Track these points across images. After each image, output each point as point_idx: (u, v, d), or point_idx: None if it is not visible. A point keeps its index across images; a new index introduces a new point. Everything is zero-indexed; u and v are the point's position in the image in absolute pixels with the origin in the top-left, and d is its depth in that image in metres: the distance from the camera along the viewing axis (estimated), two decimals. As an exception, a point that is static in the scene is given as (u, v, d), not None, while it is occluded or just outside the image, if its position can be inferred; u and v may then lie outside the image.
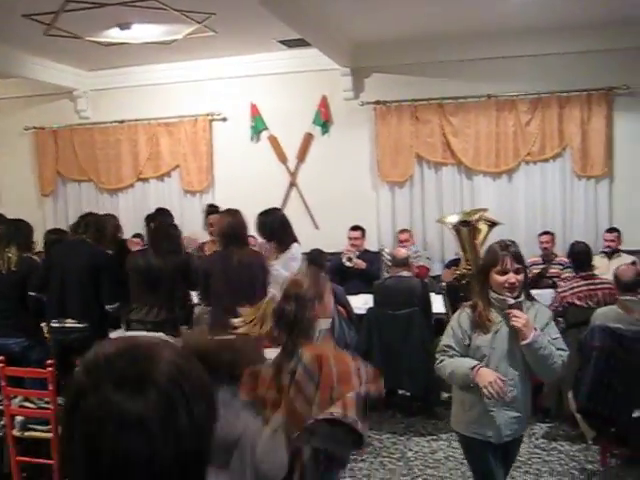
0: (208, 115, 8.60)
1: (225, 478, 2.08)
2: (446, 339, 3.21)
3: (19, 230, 5.23)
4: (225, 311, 4.53)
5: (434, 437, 5.22)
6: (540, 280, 6.85)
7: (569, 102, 7.53)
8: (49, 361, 4.05)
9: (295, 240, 5.45)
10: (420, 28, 7.23)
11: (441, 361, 3.20)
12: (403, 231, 7.71)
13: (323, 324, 2.87)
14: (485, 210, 6.30)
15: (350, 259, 6.96)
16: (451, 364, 3.15)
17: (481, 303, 3.13)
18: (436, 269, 7.58)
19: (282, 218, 5.53)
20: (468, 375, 3.03)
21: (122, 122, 8.84)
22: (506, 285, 3.06)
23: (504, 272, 3.06)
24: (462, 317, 3.18)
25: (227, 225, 4.69)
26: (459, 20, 6.98)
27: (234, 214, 4.73)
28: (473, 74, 7.72)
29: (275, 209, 5.69)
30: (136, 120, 8.78)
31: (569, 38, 7.30)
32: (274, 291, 5.24)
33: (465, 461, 4.66)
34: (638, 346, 4.30)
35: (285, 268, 5.30)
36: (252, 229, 5.46)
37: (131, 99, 8.76)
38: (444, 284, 5.81)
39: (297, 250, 5.45)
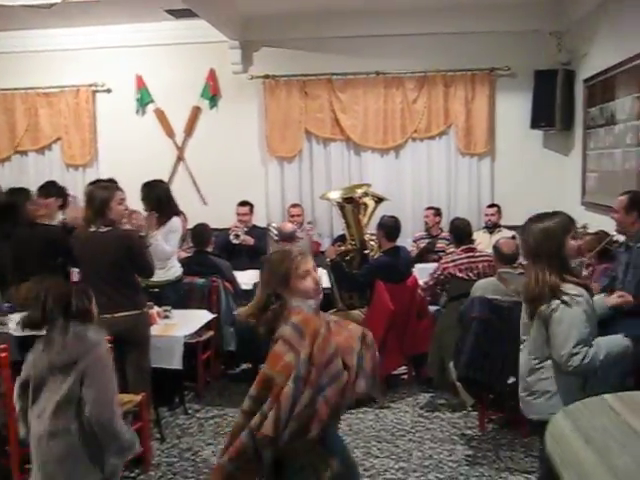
0: (91, 86, 8.26)
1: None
2: (581, 327, 2.92)
3: None
4: (96, 292, 4.36)
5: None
6: (427, 254, 7.04)
7: (454, 81, 7.72)
8: None
9: (176, 213, 5.38)
10: (310, 3, 7.20)
11: (585, 354, 2.89)
12: (295, 205, 7.70)
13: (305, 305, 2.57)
14: (368, 185, 6.36)
15: (237, 236, 6.91)
16: (599, 348, 2.93)
17: (571, 275, 3.00)
18: (326, 245, 7.61)
19: (166, 190, 5.45)
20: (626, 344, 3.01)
21: (-3, 91, 8.36)
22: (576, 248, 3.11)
23: (575, 237, 3.08)
24: (584, 294, 2.97)
25: (87, 202, 4.43)
26: (349, -4, 7.00)
27: (94, 190, 4.48)
28: (362, 51, 7.77)
29: (160, 180, 5.56)
30: (13, 89, 8.31)
31: (455, 18, 7.46)
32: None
33: (350, 432, 4.78)
34: (513, 316, 4.44)
35: (165, 240, 5.22)
36: (135, 203, 5.33)
37: (7, 66, 8.26)
38: (328, 260, 5.82)
39: (177, 222, 5.38)
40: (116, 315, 4.25)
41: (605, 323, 4.44)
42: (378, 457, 4.42)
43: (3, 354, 3.53)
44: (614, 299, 3.35)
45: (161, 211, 5.24)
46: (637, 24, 5.55)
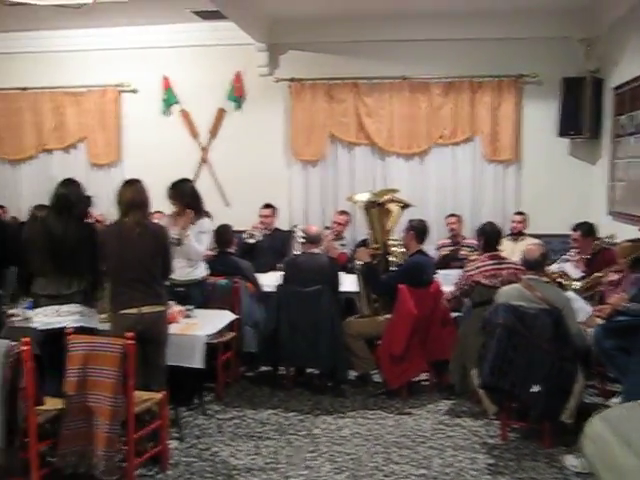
0: (117, 86, 8.31)
1: None
2: None
3: None
4: (124, 284, 4.36)
5: (341, 414, 5.21)
6: (450, 261, 6.97)
7: (481, 87, 7.67)
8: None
9: (206, 214, 5.40)
10: (338, 7, 7.20)
11: None
12: (342, 213, 7.50)
13: None
14: (395, 191, 6.33)
15: (252, 235, 6.90)
16: None
17: None
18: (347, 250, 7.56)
19: (192, 188, 5.47)
20: None
21: (25, 89, 8.42)
22: None
23: None
24: None
25: (129, 194, 4.43)
26: (377, 1, 6.96)
27: (135, 184, 4.51)
28: (389, 55, 7.75)
29: (186, 179, 5.58)
30: (41, 88, 8.38)
31: (482, 24, 7.42)
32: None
33: (370, 437, 4.73)
34: (539, 323, 4.41)
35: (196, 240, 5.24)
36: (159, 204, 5.34)
37: (36, 65, 8.37)
38: (359, 263, 5.78)
39: (208, 223, 5.41)
40: (143, 310, 4.26)
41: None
42: (398, 463, 4.35)
43: (26, 347, 3.52)
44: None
45: (192, 208, 5.28)
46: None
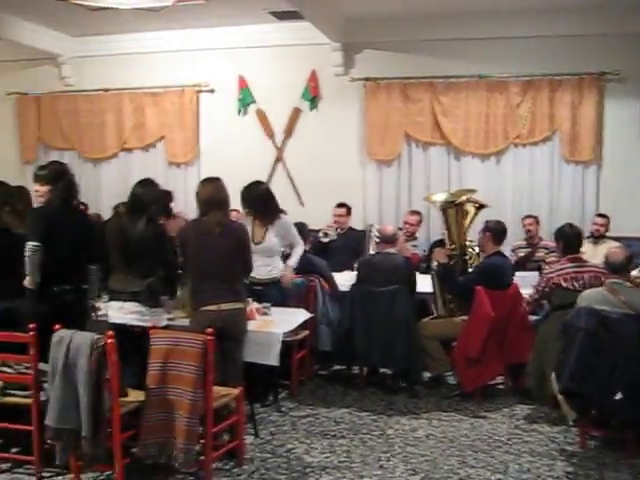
0: (195, 86, 8.47)
1: None
2: None
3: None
4: (205, 281, 4.44)
5: (415, 415, 5.17)
6: (526, 263, 6.84)
7: (560, 86, 7.48)
8: (31, 325, 3.93)
9: (281, 211, 5.44)
10: (413, 5, 7.17)
11: None
12: (413, 213, 7.41)
13: None
14: (473, 192, 6.25)
15: (326, 234, 6.93)
16: None
17: None
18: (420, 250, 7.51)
19: (264, 191, 5.48)
20: None
21: (107, 90, 8.69)
22: None
23: None
24: None
25: (208, 193, 4.52)
26: (453, -1, 6.92)
27: (215, 182, 4.58)
28: (465, 54, 7.65)
29: (258, 182, 5.59)
30: (121, 89, 8.64)
31: (562, 21, 7.25)
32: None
33: (445, 439, 4.68)
34: (623, 328, 4.27)
35: (285, 240, 5.39)
36: (236, 203, 5.40)
37: (117, 67, 8.61)
38: (436, 264, 5.73)
39: (287, 219, 5.50)
40: (222, 307, 4.34)
41: None
42: (474, 467, 4.29)
43: (110, 340, 3.64)
44: None
45: (261, 212, 5.31)
46: None
